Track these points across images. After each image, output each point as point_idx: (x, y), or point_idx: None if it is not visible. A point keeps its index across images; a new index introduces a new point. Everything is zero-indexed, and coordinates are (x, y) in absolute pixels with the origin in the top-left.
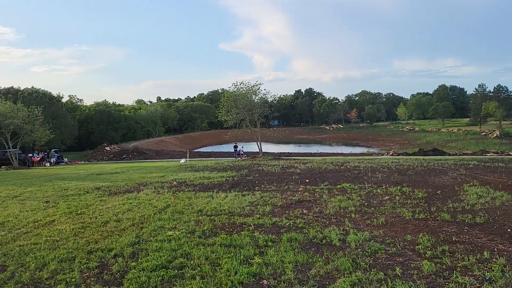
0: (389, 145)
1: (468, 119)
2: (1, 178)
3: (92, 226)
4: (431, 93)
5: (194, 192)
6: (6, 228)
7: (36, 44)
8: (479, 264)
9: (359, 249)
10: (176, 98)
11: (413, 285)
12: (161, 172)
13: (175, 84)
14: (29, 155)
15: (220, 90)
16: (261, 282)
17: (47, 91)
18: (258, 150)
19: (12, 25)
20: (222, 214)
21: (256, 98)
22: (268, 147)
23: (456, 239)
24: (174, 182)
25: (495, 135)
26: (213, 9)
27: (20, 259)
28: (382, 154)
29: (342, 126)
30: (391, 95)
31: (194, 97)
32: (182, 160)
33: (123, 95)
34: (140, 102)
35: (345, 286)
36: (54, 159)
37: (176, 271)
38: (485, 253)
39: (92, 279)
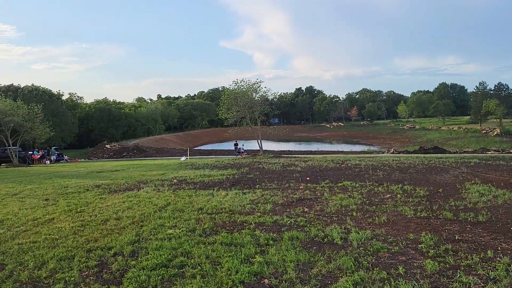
0: (389, 143)
1: (469, 117)
2: (1, 176)
3: (91, 224)
4: (432, 91)
5: (195, 190)
6: (5, 226)
7: (36, 41)
8: (483, 263)
9: (361, 248)
10: (177, 96)
11: (416, 284)
12: (161, 170)
13: (176, 82)
14: (29, 152)
15: (220, 88)
16: (262, 282)
17: (47, 88)
18: (259, 148)
19: (12, 23)
20: (223, 212)
21: (257, 96)
22: (268, 145)
23: (459, 238)
24: (175, 180)
25: (495, 133)
26: (214, 7)
27: (19, 257)
28: (383, 152)
29: (342, 124)
30: (392, 93)
31: (195, 95)
32: (183, 158)
33: (124, 93)
34: (140, 100)
35: (348, 285)
36: (54, 156)
37: (176, 270)
38: (488, 252)
39: (91, 278)
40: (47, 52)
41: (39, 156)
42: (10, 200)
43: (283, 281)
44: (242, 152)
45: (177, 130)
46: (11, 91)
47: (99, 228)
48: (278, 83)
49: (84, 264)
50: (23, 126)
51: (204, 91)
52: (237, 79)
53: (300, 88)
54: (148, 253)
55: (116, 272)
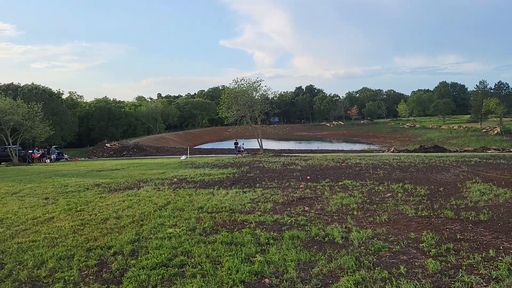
0: (389, 142)
1: (469, 116)
2: (1, 175)
3: (91, 223)
4: (432, 90)
5: (195, 189)
6: (4, 225)
7: (36, 40)
8: (485, 263)
9: (362, 247)
10: (177, 95)
11: (418, 284)
12: (161, 169)
13: (176, 81)
14: (29, 151)
15: (220, 87)
16: (263, 281)
17: (47, 87)
18: (259, 147)
19: (12, 21)
20: (223, 211)
21: (257, 94)
22: (268, 144)
23: (461, 237)
24: (175, 179)
25: (495, 132)
26: (214, 6)
27: (18, 256)
28: (383, 151)
29: (342, 123)
30: (392, 92)
31: (195, 93)
32: (183, 157)
33: (124, 91)
34: (140, 98)
35: (349, 285)
36: (55, 155)
37: (177, 269)
38: (490, 251)
39: (91, 277)
40: (47, 51)
41: (39, 155)
42: (10, 199)
43: (284, 281)
44: (242, 151)
45: (177, 129)
46: (11, 90)
47: (99, 227)
48: (278, 82)
49: (83, 264)
50: (23, 125)
51: (204, 90)
52: (237, 78)
53: (300, 87)
54: (148, 252)
55: (116, 272)
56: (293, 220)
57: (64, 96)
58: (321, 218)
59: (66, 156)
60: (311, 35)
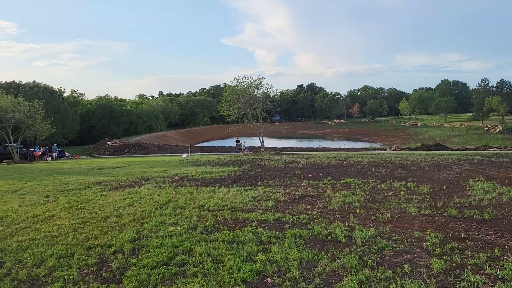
0: (391, 140)
1: (471, 114)
2: (2, 173)
3: (92, 222)
4: (434, 88)
5: (196, 187)
6: (4, 223)
7: (37, 38)
8: (491, 262)
9: (365, 246)
10: (178, 93)
11: (423, 284)
12: (162, 167)
13: (177, 79)
14: (31, 149)
15: (222, 85)
16: (265, 280)
17: (48, 85)
18: (260, 145)
19: (14, 19)
20: (225, 209)
21: (258, 92)
22: (270, 142)
23: (465, 236)
24: (176, 177)
25: (497, 130)
26: (215, 3)
27: (17, 255)
28: (385, 149)
29: (344, 121)
30: (394, 90)
31: (196, 91)
32: (184, 155)
33: (125, 89)
34: (142, 96)
35: (352, 284)
36: (56, 153)
37: (177, 268)
38: (496, 250)
39: (90, 276)
40: (48, 49)
41: (40, 152)
42: (11, 197)
43: (286, 280)
44: (244, 149)
45: (178, 127)
46: (13, 88)
47: (100, 225)
48: (279, 80)
49: (83, 262)
50: (24, 122)
51: (205, 88)
52: (238, 76)
53: (302, 85)
54: (149, 251)
55: (116, 270)
56: (295, 219)
57: (65, 94)
58: (323, 216)
59: (67, 154)
60: (313, 33)
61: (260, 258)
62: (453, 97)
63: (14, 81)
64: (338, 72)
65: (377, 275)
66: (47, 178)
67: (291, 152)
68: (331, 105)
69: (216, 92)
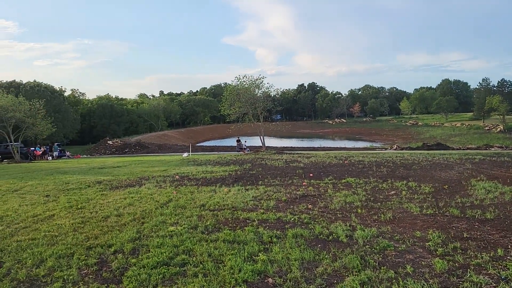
0: (392, 140)
1: (472, 113)
2: (3, 172)
3: (92, 221)
4: (435, 87)
5: (197, 186)
6: (4, 222)
7: (38, 38)
8: (494, 262)
9: (367, 246)
10: (179, 92)
11: (425, 284)
12: (163, 166)
13: (178, 78)
14: (31, 148)
15: (223, 84)
16: (266, 281)
17: (49, 84)
18: (261, 144)
19: (15, 19)
20: (225, 209)
21: (259, 92)
22: (271, 141)
23: (468, 236)
24: (177, 176)
25: (498, 129)
26: (215, 3)
27: (17, 255)
28: (386, 149)
29: (345, 121)
30: (394, 89)
31: (197, 91)
32: (185, 154)
33: (126, 89)
34: (142, 96)
35: (354, 285)
36: (57, 152)
37: (178, 268)
38: (498, 250)
39: (90, 276)
40: (49, 49)
41: (41, 152)
42: (11, 196)
43: (288, 280)
44: (245, 149)
45: (179, 126)
46: (13, 87)
47: (100, 225)
48: (280, 80)
49: (83, 262)
50: (25, 122)
51: (206, 87)
52: (239, 75)
53: (303, 84)
54: (149, 250)
55: (116, 271)
56: (296, 218)
57: (66, 94)
58: (324, 216)
59: (68, 153)
60: (314, 32)
61: (261, 258)
62: (454, 97)
63: (14, 80)
64: (339, 72)
65: (379, 276)
66: (47, 178)
67: (292, 152)
68: (332, 105)
69: (217, 91)
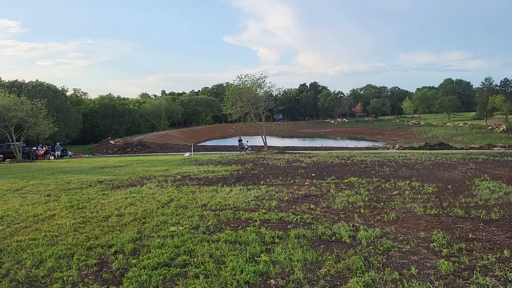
0: (394, 139)
1: (474, 113)
2: (4, 171)
3: (93, 221)
4: (437, 87)
5: (198, 186)
6: (5, 222)
7: (41, 37)
8: (500, 264)
9: (370, 247)
10: (181, 92)
11: (431, 286)
12: (165, 166)
13: (180, 78)
14: (33, 148)
15: (224, 84)
16: (268, 282)
17: (51, 84)
18: (263, 144)
19: (17, 19)
20: (227, 208)
21: (261, 91)
22: (272, 141)
23: (473, 236)
24: (178, 176)
25: (501, 129)
26: (217, 3)
27: (16, 255)
28: (388, 148)
29: (347, 120)
30: (397, 89)
31: (199, 90)
32: (187, 154)
33: (128, 88)
34: (144, 95)
35: (358, 287)
36: (59, 152)
37: (179, 269)
38: (505, 251)
39: (90, 277)
40: (52, 48)
41: (43, 151)
42: (12, 196)
43: (290, 282)
44: (246, 148)
45: (181, 126)
46: (16, 87)
47: (100, 225)
48: (282, 79)
49: (83, 263)
50: (26, 121)
51: (208, 87)
52: (241, 75)
53: (305, 84)
54: (150, 251)
55: (116, 272)
56: (299, 218)
57: (68, 93)
58: (327, 216)
59: (70, 153)
60: (316, 32)
61: (263, 259)
62: (457, 96)
63: (17, 80)
64: (341, 71)
65: (383, 277)
66: (49, 177)
67: (294, 151)
68: (333, 104)
69: (218, 91)
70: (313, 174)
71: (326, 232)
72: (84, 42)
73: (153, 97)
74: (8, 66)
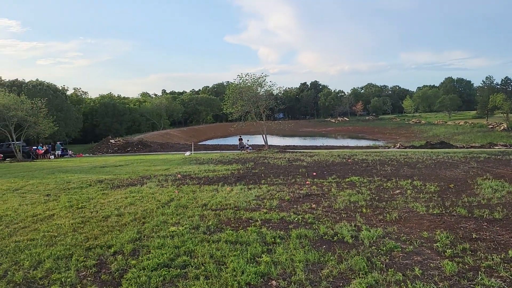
0: (395, 138)
1: (475, 112)
2: (4, 171)
3: (92, 221)
4: (438, 85)
5: (199, 185)
6: (3, 222)
7: (41, 37)
8: (505, 264)
9: (373, 247)
10: (181, 91)
11: (435, 287)
12: (165, 165)
13: (181, 77)
14: (33, 147)
15: (225, 83)
16: (269, 283)
17: (51, 83)
18: (264, 143)
19: (17, 18)
20: (228, 208)
21: (262, 90)
22: (273, 140)
23: (476, 236)
24: (179, 175)
25: (502, 128)
26: (218, 2)
27: (14, 256)
28: (389, 147)
29: (347, 119)
30: (397, 88)
31: (199, 90)
32: (187, 153)
33: (128, 88)
34: (145, 95)
35: None
36: (59, 151)
37: (179, 271)
38: (509, 251)
39: (88, 279)
40: (52, 48)
41: (43, 151)
42: (11, 195)
43: (292, 283)
44: (247, 147)
45: (181, 125)
46: (16, 86)
47: (100, 225)
48: (283, 78)
49: (82, 264)
50: (26, 121)
51: (208, 86)
52: (241, 74)
53: (305, 83)
54: (150, 251)
55: (115, 273)
56: (300, 218)
57: (68, 93)
58: (329, 216)
59: (70, 152)
60: (316, 31)
61: (265, 260)
62: (457, 95)
63: (17, 79)
64: (341, 70)
65: (386, 278)
66: (48, 177)
67: (295, 150)
68: (334, 103)
69: (219, 90)
70: (314, 173)
71: (328, 232)
72: (85, 41)
73: (154, 96)
74: (8, 66)
